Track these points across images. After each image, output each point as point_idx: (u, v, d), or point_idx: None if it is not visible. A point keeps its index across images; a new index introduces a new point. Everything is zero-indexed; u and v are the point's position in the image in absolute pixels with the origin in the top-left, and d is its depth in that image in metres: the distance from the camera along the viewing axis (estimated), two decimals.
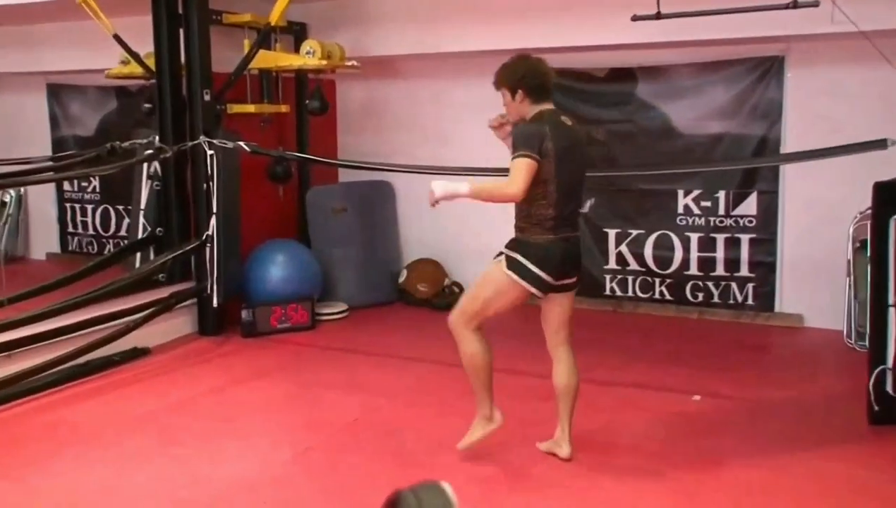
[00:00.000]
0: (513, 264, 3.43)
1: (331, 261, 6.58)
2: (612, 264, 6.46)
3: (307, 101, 6.37)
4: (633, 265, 6.39)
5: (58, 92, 8.04)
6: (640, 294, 6.41)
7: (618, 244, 6.42)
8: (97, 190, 7.93)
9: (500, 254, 3.49)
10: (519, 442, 3.84)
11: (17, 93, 8.13)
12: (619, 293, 6.47)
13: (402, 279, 6.78)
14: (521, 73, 3.46)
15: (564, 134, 3.43)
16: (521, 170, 3.30)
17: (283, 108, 6.36)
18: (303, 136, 6.72)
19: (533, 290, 3.44)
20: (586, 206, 6.45)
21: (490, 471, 3.64)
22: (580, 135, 3.59)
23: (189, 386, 4.84)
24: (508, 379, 4.18)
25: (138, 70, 6.00)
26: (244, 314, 5.82)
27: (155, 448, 3.95)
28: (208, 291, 5.71)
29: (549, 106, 3.50)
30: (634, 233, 6.36)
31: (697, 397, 4.53)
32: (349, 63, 6.14)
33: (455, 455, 3.72)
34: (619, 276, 6.46)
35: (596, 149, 6.34)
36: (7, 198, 8.21)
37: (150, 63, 5.85)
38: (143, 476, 3.65)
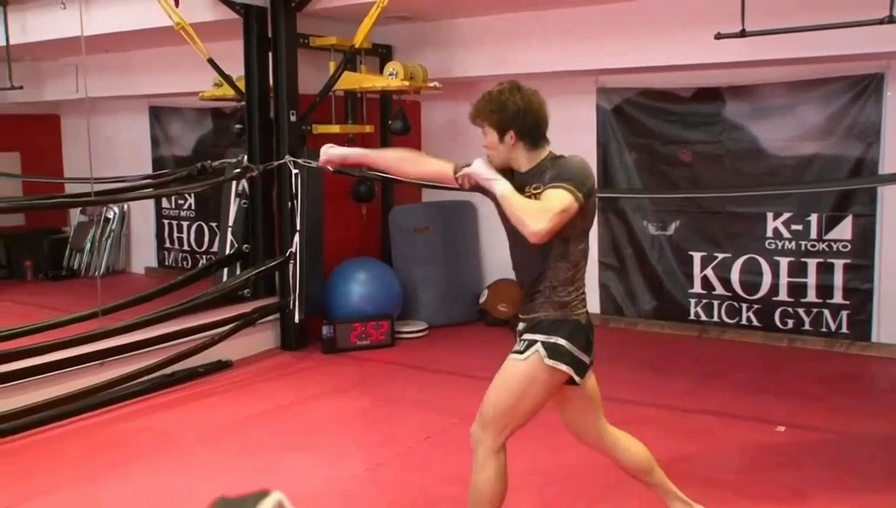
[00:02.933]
0: (556, 352, 2.67)
1: (412, 280, 6.61)
2: (698, 288, 6.27)
3: (390, 122, 6.44)
4: (720, 289, 6.18)
5: (159, 114, 8.40)
6: (726, 319, 6.19)
7: (703, 267, 6.22)
8: (192, 207, 8.22)
9: (528, 342, 2.71)
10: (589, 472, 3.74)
11: (121, 115, 8.52)
12: (704, 318, 6.27)
13: (482, 299, 6.75)
14: (515, 110, 2.67)
15: None
16: (561, 205, 2.52)
17: (368, 129, 6.42)
18: None
19: (578, 380, 2.74)
20: (671, 228, 6.30)
21: (554, 498, 3.54)
22: None
23: (268, 400, 4.92)
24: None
25: (230, 92, 6.17)
26: (325, 330, 5.89)
27: (230, 459, 4.03)
28: (291, 307, 5.80)
29: (549, 151, 2.75)
30: (721, 256, 6.15)
31: (782, 428, 4.32)
32: (431, 84, 6.18)
33: (520, 475, 3.63)
34: (705, 301, 6.25)
35: (681, 171, 6.24)
36: (111, 215, 8.60)
37: (242, 85, 6.01)
38: (214, 486, 3.69)
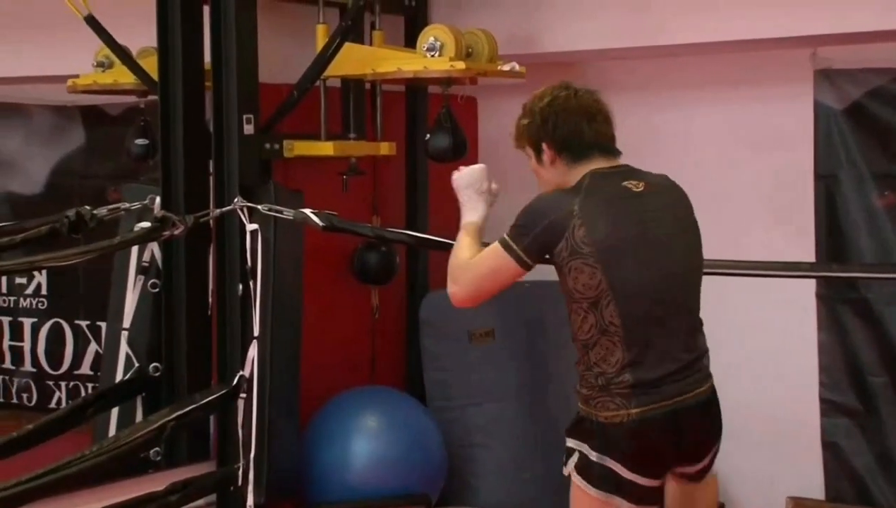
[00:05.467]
0: (581, 464, 3.59)
1: (464, 430, 6.59)
2: None
3: (427, 136, 6.34)
4: None
5: None
6: None
7: None
8: (42, 292, 8.04)
9: (566, 450, 3.74)
10: None
11: None
12: None
13: None
14: (543, 118, 3.64)
15: (624, 211, 3.55)
16: (486, 264, 3.69)
17: (384, 148, 6.40)
18: (417, 198, 6.81)
19: (619, 503, 3.54)
20: None
21: None
22: (669, 204, 3.71)
23: None
24: None
25: (128, 78, 6.21)
26: None
27: None
28: (239, 482, 5.71)
29: (601, 165, 3.68)
30: None
31: None
32: (505, 66, 6.12)
33: None
34: None
35: None
36: None
37: (150, 67, 5.98)
38: None
